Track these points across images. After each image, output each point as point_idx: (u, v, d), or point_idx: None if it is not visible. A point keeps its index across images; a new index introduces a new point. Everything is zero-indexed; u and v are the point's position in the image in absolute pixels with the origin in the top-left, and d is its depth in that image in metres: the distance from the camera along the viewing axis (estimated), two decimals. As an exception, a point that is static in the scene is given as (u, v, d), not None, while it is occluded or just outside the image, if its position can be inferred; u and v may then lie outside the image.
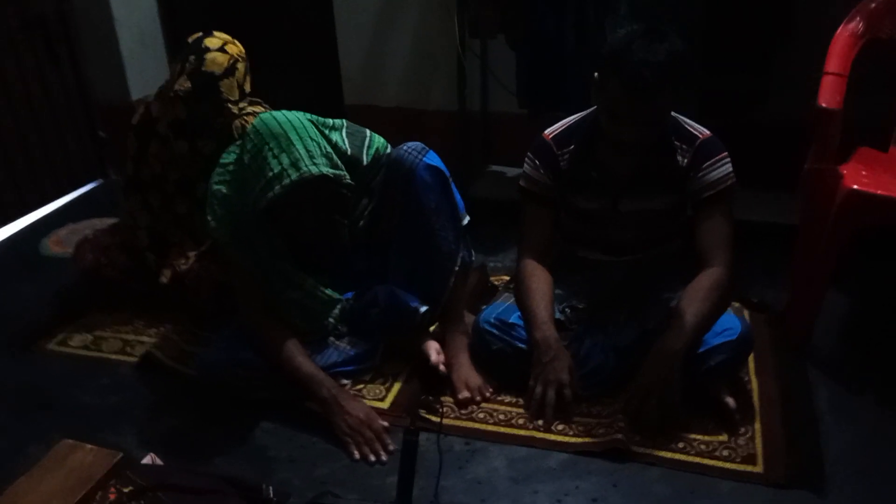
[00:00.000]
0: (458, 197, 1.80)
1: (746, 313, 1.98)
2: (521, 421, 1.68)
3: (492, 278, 2.19)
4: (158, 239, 2.13)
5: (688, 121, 1.74)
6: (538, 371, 1.67)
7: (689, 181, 1.72)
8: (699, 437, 1.60)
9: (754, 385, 1.75)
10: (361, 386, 1.80)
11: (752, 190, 2.09)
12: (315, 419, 1.67)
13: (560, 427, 1.65)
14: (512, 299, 1.84)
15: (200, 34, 1.94)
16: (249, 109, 1.98)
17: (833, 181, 1.74)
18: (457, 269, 1.80)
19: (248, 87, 1.98)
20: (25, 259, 2.57)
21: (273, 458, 1.62)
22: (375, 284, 1.83)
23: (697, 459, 1.55)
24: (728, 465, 1.53)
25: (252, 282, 1.75)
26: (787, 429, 1.61)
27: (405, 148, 1.75)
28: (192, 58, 1.90)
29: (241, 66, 1.94)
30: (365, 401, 1.73)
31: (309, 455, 1.62)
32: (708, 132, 1.72)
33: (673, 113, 1.70)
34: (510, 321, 1.76)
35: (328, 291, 1.82)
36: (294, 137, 1.59)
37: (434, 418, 1.65)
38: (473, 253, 1.92)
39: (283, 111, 1.67)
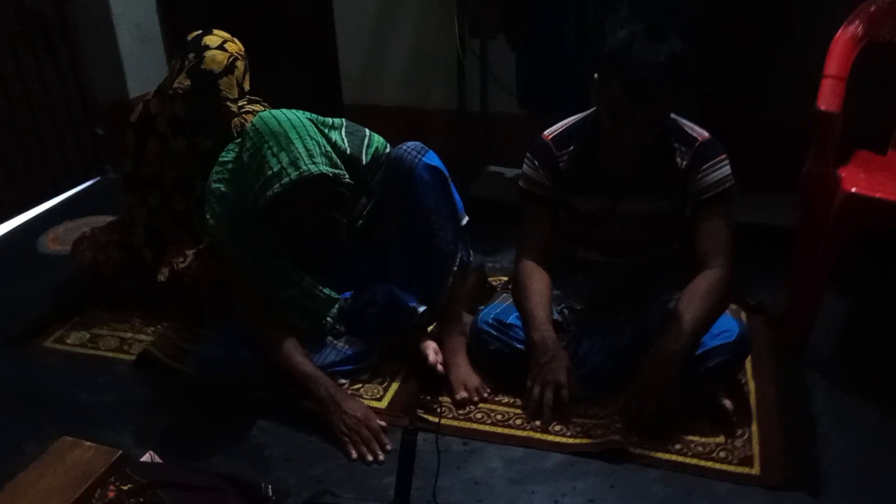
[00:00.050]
0: (457, 197, 1.80)
1: (744, 315, 1.98)
2: (518, 421, 1.68)
3: (490, 279, 2.19)
4: (156, 236, 2.13)
5: (687, 123, 1.74)
6: (536, 372, 1.67)
7: (688, 183, 1.72)
8: (696, 438, 1.60)
9: (751, 387, 1.76)
10: (359, 385, 1.80)
11: (750, 192, 2.10)
12: (312, 418, 1.67)
13: (557, 428, 1.65)
14: (510, 300, 1.84)
15: (200, 32, 1.94)
16: (248, 108, 1.98)
17: (832, 184, 1.74)
18: (455, 269, 1.80)
19: (247, 86, 1.98)
20: (23, 256, 2.56)
21: (270, 456, 1.61)
22: (374, 284, 1.82)
23: (694, 461, 1.55)
24: (725, 467, 1.53)
25: (250, 280, 1.75)
26: (784, 431, 1.62)
27: (405, 147, 1.75)
28: (191, 55, 1.89)
29: (240, 64, 1.93)
30: (362, 400, 1.73)
31: (306, 454, 1.62)
32: (707, 134, 1.72)
33: (672, 115, 1.70)
34: (508, 321, 1.76)
35: (326, 291, 1.82)
36: (293, 136, 1.59)
37: (432, 418, 1.65)
38: (472, 253, 1.92)
39: (283, 110, 1.67)
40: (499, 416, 1.70)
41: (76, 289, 2.23)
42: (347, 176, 1.66)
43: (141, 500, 1.05)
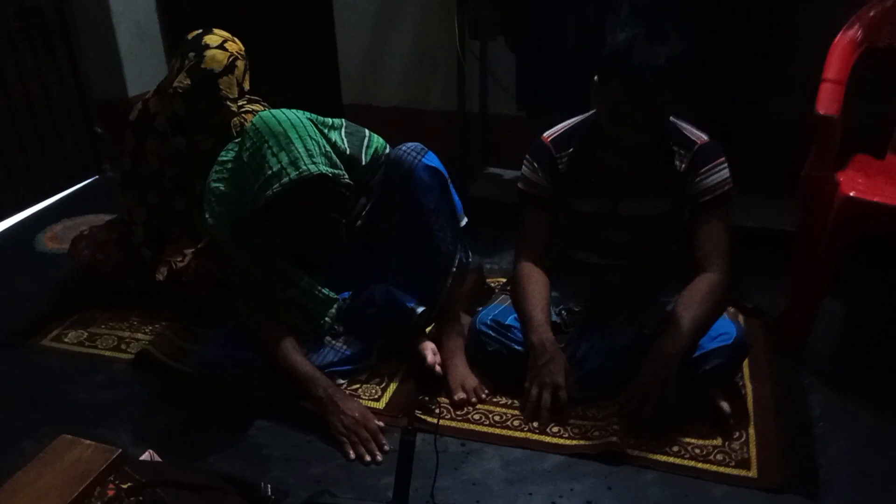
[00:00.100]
0: (456, 198, 1.80)
1: (742, 318, 1.99)
2: (516, 423, 1.68)
3: (488, 280, 2.19)
4: (155, 235, 2.13)
5: (686, 126, 1.74)
6: (534, 373, 1.67)
7: (687, 186, 1.72)
8: (694, 440, 1.60)
9: (749, 390, 1.76)
10: (357, 386, 1.80)
11: (749, 195, 2.10)
12: (311, 418, 1.67)
13: (555, 429, 1.65)
14: (509, 301, 1.84)
15: (200, 31, 1.94)
16: (248, 107, 1.98)
17: (830, 188, 1.74)
18: (454, 269, 1.80)
19: (247, 85, 1.98)
20: (21, 255, 2.56)
21: (268, 456, 1.61)
22: (373, 284, 1.82)
23: (692, 463, 1.55)
24: (722, 470, 1.53)
25: (249, 280, 1.75)
26: (781, 434, 1.62)
27: (404, 148, 1.75)
28: (191, 54, 1.89)
29: (240, 63, 1.94)
30: (361, 400, 1.73)
31: (304, 454, 1.61)
32: (706, 137, 1.73)
33: (672, 118, 1.70)
34: (506, 323, 1.77)
35: (325, 291, 1.82)
36: (293, 136, 1.59)
37: (430, 419, 1.65)
38: (471, 254, 1.92)
39: (283, 109, 1.67)
40: (497, 417, 1.70)
41: (74, 287, 2.23)
42: (347, 176, 1.66)
43: (140, 498, 1.05)
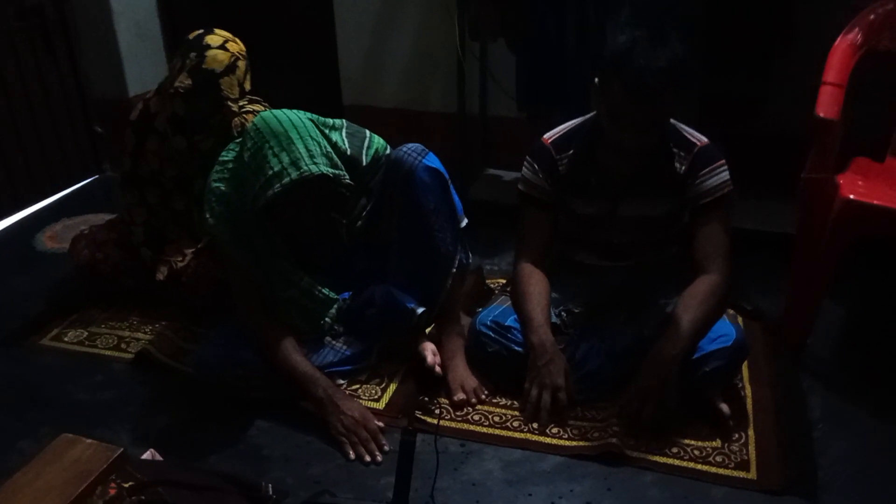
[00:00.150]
0: (456, 199, 1.80)
1: (741, 320, 1.99)
2: (516, 423, 1.68)
3: (488, 281, 2.19)
4: (155, 235, 2.13)
5: (686, 128, 1.75)
6: (534, 374, 1.67)
7: (687, 188, 1.72)
8: (693, 442, 1.61)
9: (748, 392, 1.76)
10: (357, 386, 1.80)
11: (749, 198, 2.11)
12: (310, 418, 1.67)
13: (555, 430, 1.65)
14: (508, 302, 1.84)
15: (201, 31, 1.94)
16: (249, 108, 1.98)
17: (830, 190, 1.75)
18: (454, 270, 1.80)
19: (248, 86, 1.98)
20: (20, 254, 2.56)
21: (267, 456, 1.61)
22: (373, 285, 1.82)
23: (691, 465, 1.55)
24: (722, 471, 1.53)
25: (249, 280, 1.75)
26: (781, 435, 1.62)
27: (405, 149, 1.76)
28: (192, 55, 1.90)
29: (241, 64, 1.94)
30: (360, 401, 1.73)
31: (303, 454, 1.61)
32: (706, 139, 1.73)
33: (672, 120, 1.71)
34: (506, 324, 1.77)
35: (325, 291, 1.82)
36: (294, 136, 1.59)
37: (430, 420, 1.66)
38: (471, 255, 1.92)
39: (284, 110, 1.67)
40: (496, 418, 1.70)
41: (74, 287, 2.23)
42: (348, 176, 1.66)
43: (142, 497, 1.05)
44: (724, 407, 1.63)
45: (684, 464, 1.55)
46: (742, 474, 1.52)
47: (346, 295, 1.86)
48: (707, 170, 1.70)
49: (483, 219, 2.12)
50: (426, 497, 1.46)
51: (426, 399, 1.75)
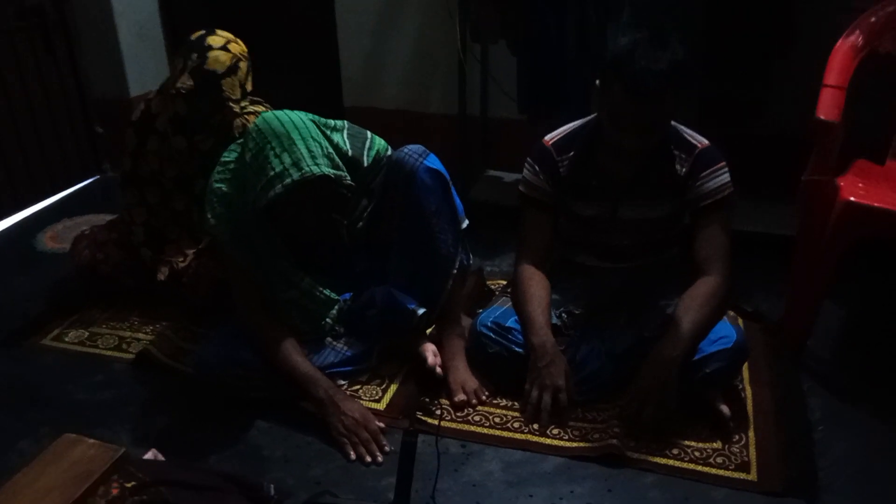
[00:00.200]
0: (457, 200, 1.80)
1: (741, 321, 1.99)
2: (516, 425, 1.68)
3: (489, 282, 2.20)
4: (156, 235, 2.13)
5: (687, 130, 1.75)
6: (534, 375, 1.67)
7: (688, 190, 1.73)
8: (694, 443, 1.61)
9: (749, 393, 1.76)
10: (358, 387, 1.80)
11: (749, 200, 2.11)
12: (311, 419, 1.67)
13: (555, 431, 1.65)
14: (509, 303, 1.84)
15: (203, 32, 1.94)
16: (251, 108, 1.98)
17: (830, 193, 1.75)
18: (455, 271, 1.80)
19: (249, 87, 1.99)
20: (21, 254, 2.56)
21: (268, 457, 1.61)
22: (374, 285, 1.83)
23: (692, 466, 1.55)
24: (722, 473, 1.53)
25: (250, 280, 1.75)
26: (781, 437, 1.62)
27: (406, 150, 1.76)
28: (194, 55, 1.90)
29: (243, 65, 1.94)
30: (361, 402, 1.73)
31: (304, 455, 1.61)
32: (707, 141, 1.73)
33: (673, 122, 1.71)
34: (507, 325, 1.77)
35: (326, 292, 1.82)
36: (296, 137, 1.60)
37: (431, 420, 1.66)
38: (471, 256, 1.92)
39: (286, 111, 1.67)
40: (497, 419, 1.70)
41: (74, 287, 2.22)
42: (349, 177, 1.66)
43: (144, 497, 1.05)
44: (725, 408, 1.64)
45: (685, 465, 1.55)
46: (742, 476, 1.52)
47: (347, 296, 1.86)
48: (708, 172, 1.71)
49: (484, 220, 2.12)
50: (427, 498, 1.46)
51: (427, 400, 1.75)
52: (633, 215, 1.77)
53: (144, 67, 3.15)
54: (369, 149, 1.78)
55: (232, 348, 1.73)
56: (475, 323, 1.81)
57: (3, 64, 2.73)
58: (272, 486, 1.42)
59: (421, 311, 1.77)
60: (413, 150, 1.75)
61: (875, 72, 1.88)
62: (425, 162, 1.73)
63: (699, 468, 1.55)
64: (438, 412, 1.70)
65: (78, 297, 2.19)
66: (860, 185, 1.80)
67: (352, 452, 1.60)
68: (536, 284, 1.78)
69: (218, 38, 1.92)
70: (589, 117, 1.80)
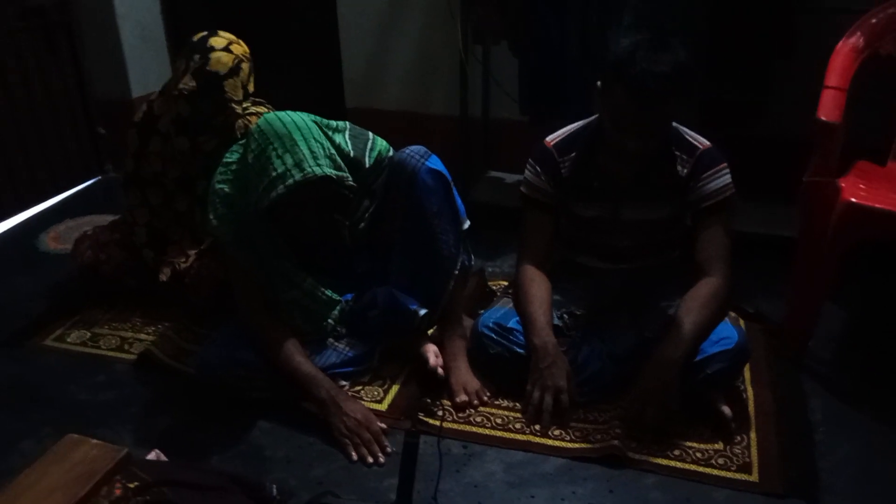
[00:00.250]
0: (459, 201, 1.81)
1: (743, 323, 1.99)
2: (518, 425, 1.68)
3: (490, 283, 2.20)
4: (158, 236, 2.14)
5: (688, 131, 1.75)
6: (536, 376, 1.68)
7: (689, 191, 1.73)
8: (695, 444, 1.61)
9: (750, 394, 1.76)
10: (360, 387, 1.80)
11: (750, 201, 2.11)
12: (313, 420, 1.68)
13: (557, 432, 1.65)
14: (511, 304, 1.85)
15: (205, 33, 1.95)
16: (253, 109, 1.99)
17: (831, 194, 1.75)
18: (456, 272, 1.81)
19: (251, 88, 1.99)
20: (23, 255, 2.56)
21: (270, 458, 1.62)
22: (375, 286, 1.83)
23: (693, 467, 1.55)
24: (724, 474, 1.54)
25: (252, 281, 1.75)
26: (782, 438, 1.63)
27: (408, 151, 1.76)
28: (196, 56, 1.90)
29: (245, 66, 1.94)
30: (363, 402, 1.73)
31: (306, 456, 1.62)
32: (708, 143, 1.74)
33: (674, 123, 1.71)
34: (508, 326, 1.77)
35: (328, 292, 1.83)
36: (298, 138, 1.60)
37: (433, 421, 1.66)
38: (473, 257, 1.92)
39: (288, 112, 1.67)
40: (498, 420, 1.70)
41: (76, 288, 2.23)
42: (351, 178, 1.67)
43: (147, 498, 1.05)
44: (726, 409, 1.64)
45: (686, 466, 1.56)
46: (744, 477, 1.53)
47: (349, 296, 1.86)
48: (709, 173, 1.71)
49: (485, 221, 2.12)
50: (429, 499, 1.46)
51: (429, 401, 1.75)
52: (635, 216, 1.77)
53: (147, 68, 3.16)
54: (371, 150, 1.79)
55: (234, 349, 1.73)
56: (477, 324, 1.81)
57: (5, 65, 2.74)
58: (274, 486, 1.43)
59: (423, 311, 1.77)
60: (415, 150, 1.76)
61: (876, 73, 1.88)
62: (427, 163, 1.73)
63: (701, 469, 1.55)
64: (440, 413, 1.70)
65: (80, 298, 2.19)
66: (861, 186, 1.80)
67: (353, 453, 1.60)
68: (538, 285, 1.79)
69: (220, 40, 1.92)
70: (590, 118, 1.80)
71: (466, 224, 1.83)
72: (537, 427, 1.66)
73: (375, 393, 1.79)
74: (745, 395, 1.76)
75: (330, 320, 1.83)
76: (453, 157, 2.06)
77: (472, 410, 1.73)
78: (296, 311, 1.80)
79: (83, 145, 3.10)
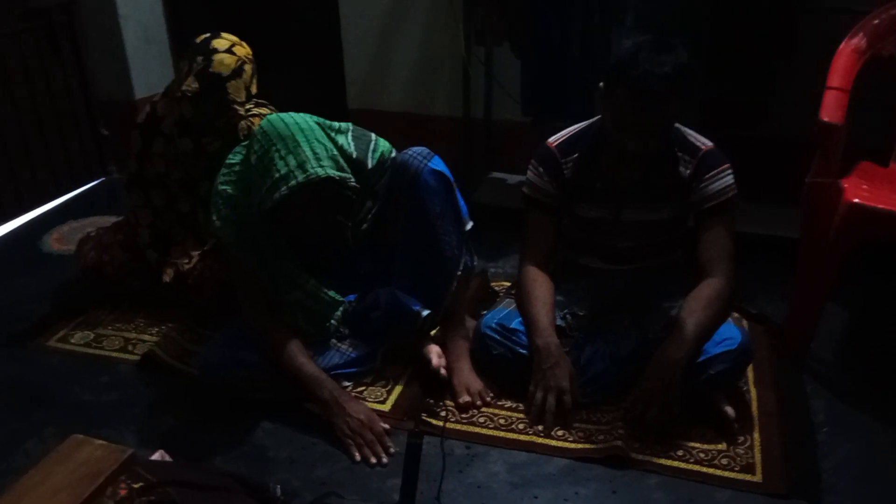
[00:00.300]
0: (461, 202, 1.81)
1: (745, 324, 1.99)
2: (521, 426, 1.68)
3: (493, 284, 2.20)
4: (161, 237, 2.14)
5: (691, 132, 1.75)
6: (539, 377, 1.68)
7: (692, 192, 1.73)
8: (698, 445, 1.61)
9: (753, 395, 1.76)
10: (363, 388, 1.81)
11: (752, 202, 2.11)
12: (315, 420, 1.68)
13: (560, 433, 1.65)
14: (513, 305, 1.85)
15: (208, 35, 1.95)
16: (255, 111, 1.99)
17: (834, 194, 1.75)
18: (459, 273, 1.81)
19: (254, 89, 2.00)
20: (27, 256, 2.57)
21: (273, 458, 1.62)
22: (378, 287, 1.83)
23: (696, 468, 1.56)
24: (727, 474, 1.54)
25: (255, 282, 1.76)
26: (785, 439, 1.63)
27: (410, 152, 1.76)
28: (199, 58, 1.91)
29: (248, 67, 1.95)
30: (366, 403, 1.73)
31: (309, 456, 1.62)
32: (710, 143, 1.74)
33: (677, 124, 1.71)
34: (511, 326, 1.77)
35: (331, 293, 1.83)
36: (301, 139, 1.60)
37: (436, 422, 1.66)
38: (475, 258, 1.93)
39: (291, 113, 1.68)
40: (502, 421, 1.70)
41: (80, 289, 2.23)
42: (353, 179, 1.67)
43: (152, 498, 1.05)
44: (730, 410, 1.64)
45: (689, 467, 1.56)
46: (747, 477, 1.53)
47: (352, 297, 1.86)
48: (712, 173, 1.71)
49: (488, 222, 2.12)
50: (432, 499, 1.46)
51: (432, 401, 1.75)
52: (637, 217, 1.77)
53: (150, 70, 3.17)
54: (373, 151, 1.79)
55: (237, 349, 1.73)
56: (479, 324, 1.82)
57: (8, 65, 2.74)
58: (278, 486, 1.43)
59: (425, 312, 1.78)
60: (417, 152, 1.76)
61: (878, 74, 1.89)
62: (430, 164, 1.74)
63: (704, 469, 1.55)
64: (443, 414, 1.71)
65: (83, 299, 2.20)
66: (864, 186, 1.80)
67: (357, 454, 1.60)
68: (540, 286, 1.79)
69: (223, 41, 1.93)
70: (593, 119, 1.80)
71: (469, 225, 1.83)
72: (540, 428, 1.66)
73: (378, 394, 1.79)
74: (748, 396, 1.76)
75: (333, 321, 1.83)
76: (456, 159, 2.06)
77: (475, 411, 1.73)
78: (299, 312, 1.80)
79: (86, 146, 3.11)
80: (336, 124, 1.75)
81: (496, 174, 2.95)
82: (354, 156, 1.74)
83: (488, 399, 1.76)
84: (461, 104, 2.65)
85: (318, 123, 1.68)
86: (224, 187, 1.72)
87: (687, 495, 1.50)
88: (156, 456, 1.41)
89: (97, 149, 3.14)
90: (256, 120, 1.94)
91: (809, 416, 1.72)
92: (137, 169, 2.12)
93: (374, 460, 1.58)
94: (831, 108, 1.74)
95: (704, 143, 1.74)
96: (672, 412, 1.60)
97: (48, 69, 2.90)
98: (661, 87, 1.53)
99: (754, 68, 2.32)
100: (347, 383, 1.79)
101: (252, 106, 1.99)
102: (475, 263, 1.93)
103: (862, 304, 2.16)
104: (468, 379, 1.77)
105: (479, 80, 2.74)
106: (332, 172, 1.60)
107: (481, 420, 1.71)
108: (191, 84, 1.90)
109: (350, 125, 1.79)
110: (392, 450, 1.61)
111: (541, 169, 1.80)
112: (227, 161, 1.75)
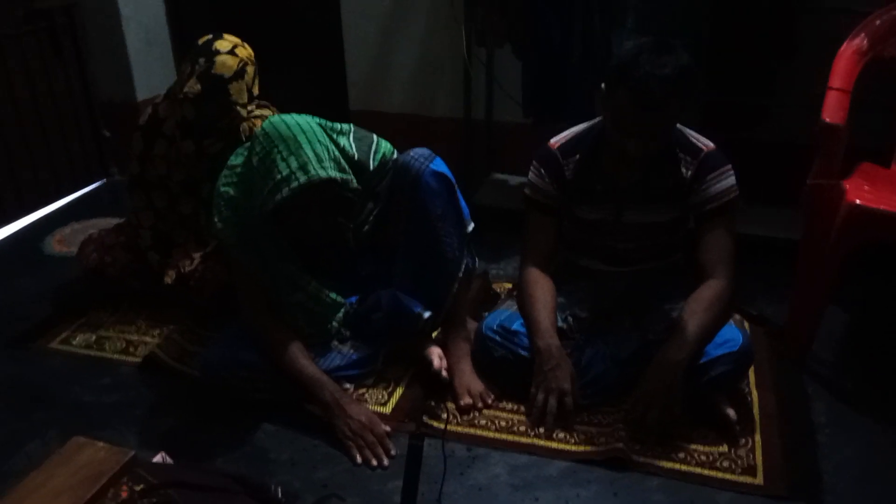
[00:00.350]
0: (463, 204, 1.81)
1: (747, 325, 1.99)
2: (522, 428, 1.68)
3: (494, 285, 2.20)
4: (163, 239, 2.14)
5: (693, 133, 1.75)
6: (540, 379, 1.68)
7: (693, 193, 1.73)
8: (699, 447, 1.61)
9: (754, 397, 1.76)
10: (364, 390, 1.81)
11: (754, 204, 2.11)
12: (317, 422, 1.68)
13: (561, 435, 1.65)
14: (514, 307, 1.85)
15: (210, 36, 1.95)
16: (257, 112, 2.00)
17: (835, 196, 1.75)
18: (460, 275, 1.81)
19: (256, 91, 2.00)
20: (28, 257, 2.57)
21: (274, 460, 1.62)
22: (379, 289, 1.83)
23: (697, 470, 1.55)
24: (728, 476, 1.54)
25: (257, 284, 1.76)
26: (785, 440, 1.63)
27: (412, 154, 1.76)
28: (201, 60, 1.91)
29: (250, 69, 1.95)
30: (367, 405, 1.73)
31: (310, 458, 1.62)
32: (712, 144, 1.74)
33: (678, 125, 1.71)
34: (513, 328, 1.77)
35: (332, 295, 1.83)
36: (303, 141, 1.61)
37: (437, 424, 1.66)
38: (477, 260, 1.93)
39: (293, 114, 1.68)
40: (503, 423, 1.70)
41: (81, 290, 2.24)
42: (355, 181, 1.67)
43: (154, 500, 1.05)
44: (731, 412, 1.64)
45: (690, 469, 1.56)
46: (748, 479, 1.53)
47: (353, 299, 1.86)
48: (713, 175, 1.71)
49: (489, 223, 2.12)
50: (433, 501, 1.46)
51: (433, 403, 1.75)
52: (638, 219, 1.77)
53: (152, 71, 3.17)
54: (375, 152, 1.79)
55: (237, 350, 1.73)
56: (481, 326, 1.82)
57: (10, 67, 2.74)
58: (279, 488, 1.43)
59: (427, 314, 1.77)
60: (419, 153, 1.76)
61: (879, 75, 1.89)
62: (431, 165, 1.74)
63: (705, 472, 1.55)
64: (444, 416, 1.71)
65: (85, 301, 2.20)
66: (866, 188, 1.80)
67: (358, 456, 1.60)
68: (542, 288, 1.79)
69: (225, 43, 1.93)
70: (594, 121, 1.80)
71: (470, 226, 1.83)
72: (541, 430, 1.66)
73: (379, 395, 1.80)
74: (749, 398, 1.76)
75: (334, 323, 1.83)
76: (457, 160, 2.06)
77: (477, 413, 1.73)
78: (300, 314, 1.80)
79: (88, 148, 3.11)
80: (338, 125, 1.75)
81: (497, 175, 2.95)
82: (356, 157, 1.74)
83: (489, 401, 1.76)
84: (462, 105, 2.65)
85: (319, 125, 1.68)
86: (226, 189, 1.72)
87: (688, 497, 1.49)
88: (157, 458, 1.41)
89: (99, 150, 3.15)
90: (258, 121, 1.94)
91: (810, 417, 1.72)
92: (139, 171, 2.12)
93: (375, 462, 1.59)
94: (833, 109, 1.75)
95: (706, 144, 1.74)
96: (673, 414, 1.60)
97: (50, 71, 2.90)
98: (662, 88, 1.53)
99: (755, 70, 2.32)
100: (348, 385, 1.79)
101: (254, 107, 1.99)
102: (476, 265, 1.93)
103: (862, 306, 2.16)
104: (469, 381, 1.78)
105: (480, 82, 2.75)
106: (334, 174, 1.60)
107: (482, 422, 1.71)
108: (193, 86, 1.90)
109: (351, 126, 1.79)
110: (393, 452, 1.61)
111: (542, 170, 1.80)
112: (229, 163, 1.75)
